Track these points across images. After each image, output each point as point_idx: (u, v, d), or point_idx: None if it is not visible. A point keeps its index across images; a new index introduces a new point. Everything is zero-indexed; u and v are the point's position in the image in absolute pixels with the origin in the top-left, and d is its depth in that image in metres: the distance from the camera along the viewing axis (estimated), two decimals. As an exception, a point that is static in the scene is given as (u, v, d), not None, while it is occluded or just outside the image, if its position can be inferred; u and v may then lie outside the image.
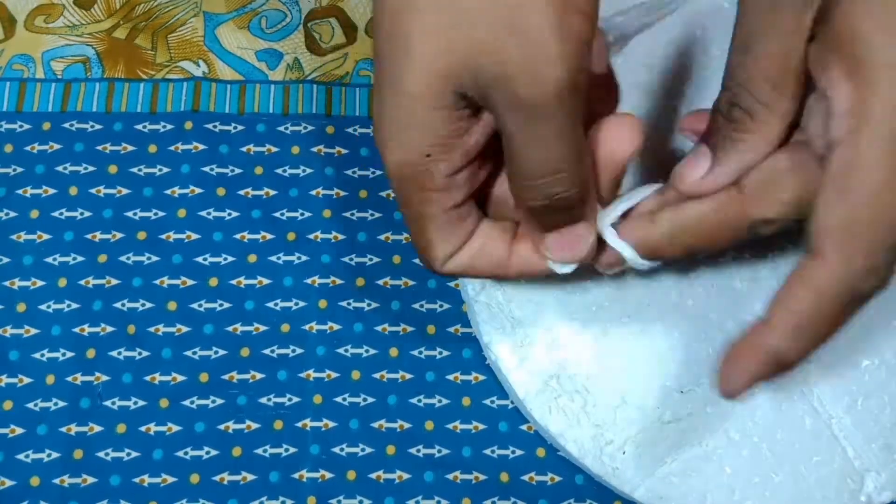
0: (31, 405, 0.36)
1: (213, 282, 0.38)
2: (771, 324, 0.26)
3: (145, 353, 0.37)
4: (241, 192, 0.39)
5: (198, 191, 0.39)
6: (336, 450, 0.36)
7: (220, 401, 0.37)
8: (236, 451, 0.36)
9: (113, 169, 0.39)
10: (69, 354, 0.37)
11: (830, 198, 0.25)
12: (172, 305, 0.38)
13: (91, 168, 0.39)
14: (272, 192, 0.39)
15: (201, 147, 0.40)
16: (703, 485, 0.35)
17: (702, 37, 0.40)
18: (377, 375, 0.37)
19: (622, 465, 0.35)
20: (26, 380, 0.36)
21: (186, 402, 0.36)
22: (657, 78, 0.39)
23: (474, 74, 0.24)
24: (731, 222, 0.28)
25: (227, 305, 0.38)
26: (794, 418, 0.35)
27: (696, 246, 0.28)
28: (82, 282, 0.38)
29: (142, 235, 0.38)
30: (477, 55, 0.24)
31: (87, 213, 0.39)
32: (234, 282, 0.38)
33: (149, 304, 0.38)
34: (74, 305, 0.37)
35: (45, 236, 0.38)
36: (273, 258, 0.39)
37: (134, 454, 0.36)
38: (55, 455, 0.35)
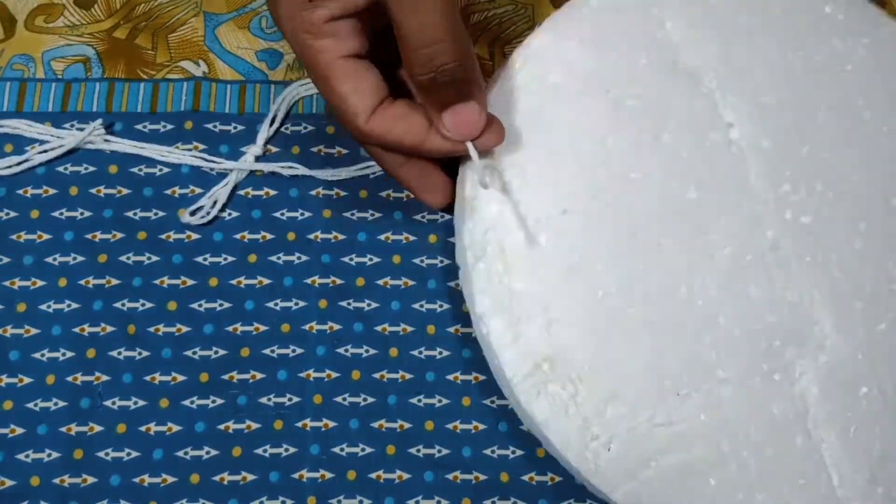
0: (31, 405, 0.36)
1: (213, 282, 0.38)
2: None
3: (145, 353, 0.37)
4: (242, 192, 0.39)
5: (198, 191, 0.39)
6: (336, 450, 0.36)
7: (220, 401, 0.37)
8: (236, 451, 0.36)
9: (113, 169, 0.39)
10: (69, 354, 0.37)
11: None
12: (172, 305, 0.38)
13: (91, 168, 0.39)
14: (272, 192, 0.39)
15: (201, 147, 0.40)
16: (684, 494, 0.34)
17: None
18: (377, 375, 0.37)
19: (605, 463, 0.34)
20: (26, 380, 0.36)
21: (186, 402, 0.36)
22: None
23: None
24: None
25: (227, 305, 0.38)
26: (787, 436, 0.34)
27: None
28: (82, 282, 0.38)
29: (142, 235, 0.38)
30: None
31: (87, 213, 0.39)
32: (234, 282, 0.38)
33: (149, 304, 0.38)
34: (75, 305, 0.37)
35: (46, 236, 0.38)
36: (273, 258, 0.39)
37: (134, 454, 0.36)
38: (55, 455, 0.35)
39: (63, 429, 0.36)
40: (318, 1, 0.31)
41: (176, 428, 0.36)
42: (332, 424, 0.36)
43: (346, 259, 0.39)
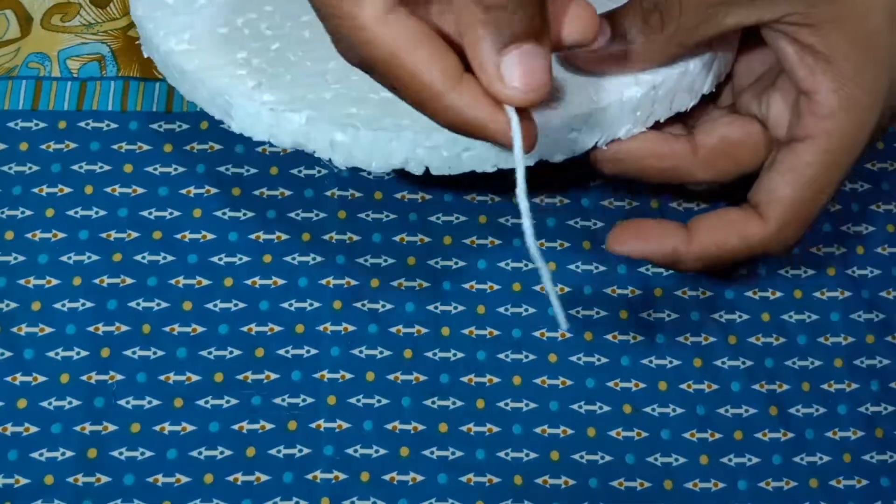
0: (45, 404, 0.36)
1: (229, 282, 0.38)
2: (692, 242, 0.32)
3: (160, 353, 0.37)
4: (257, 193, 0.39)
5: (213, 191, 0.39)
6: (350, 451, 0.36)
7: (234, 401, 0.36)
8: (250, 452, 0.36)
9: (128, 168, 0.39)
10: (84, 353, 0.37)
11: (789, 178, 0.31)
12: (187, 305, 0.38)
13: (107, 167, 0.39)
14: (287, 193, 0.39)
15: (217, 147, 0.40)
16: None
17: None
18: (391, 377, 0.37)
19: None
20: (41, 378, 0.36)
21: (201, 402, 0.36)
22: None
23: None
24: (676, 174, 0.33)
25: (242, 305, 0.38)
26: None
27: (630, 174, 0.34)
28: (97, 281, 0.38)
29: (157, 235, 0.38)
30: None
31: (102, 212, 0.39)
32: (249, 282, 0.38)
33: (164, 304, 0.38)
34: (89, 304, 0.37)
35: (61, 235, 0.38)
36: (288, 258, 0.39)
37: (148, 454, 0.36)
38: (69, 454, 0.35)
39: (77, 428, 0.36)
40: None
41: (190, 428, 0.36)
42: (345, 425, 0.36)
43: (360, 260, 0.39)
